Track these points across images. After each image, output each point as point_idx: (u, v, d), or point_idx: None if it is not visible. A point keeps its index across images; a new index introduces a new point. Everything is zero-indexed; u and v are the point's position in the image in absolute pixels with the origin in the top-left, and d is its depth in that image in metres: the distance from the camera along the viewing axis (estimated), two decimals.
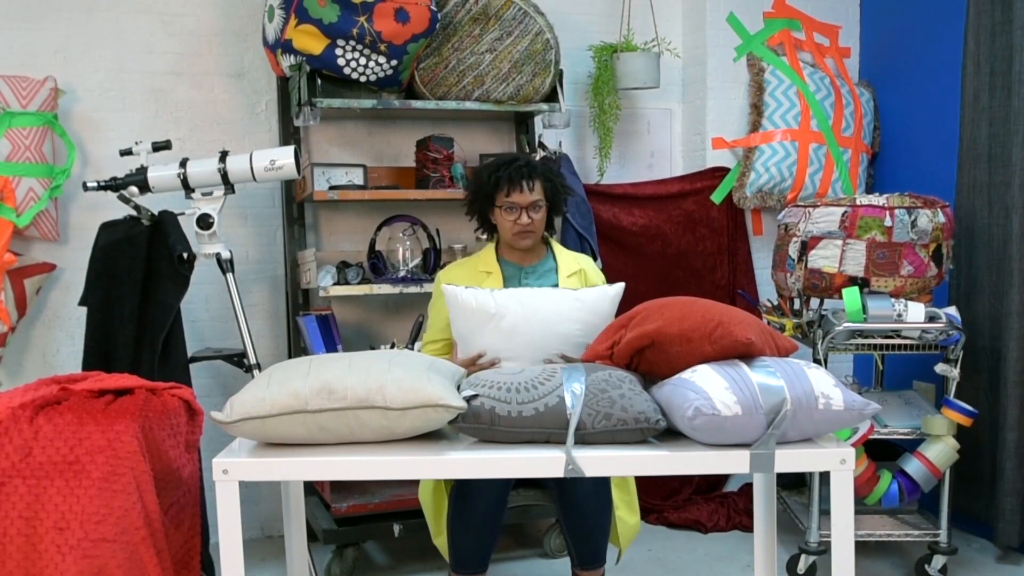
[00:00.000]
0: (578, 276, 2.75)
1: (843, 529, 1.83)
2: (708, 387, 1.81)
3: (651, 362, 2.01)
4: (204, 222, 2.94)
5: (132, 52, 3.49)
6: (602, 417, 1.85)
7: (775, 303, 3.49)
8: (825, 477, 3.06)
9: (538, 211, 2.68)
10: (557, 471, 1.81)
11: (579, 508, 2.54)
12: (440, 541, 2.71)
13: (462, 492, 2.53)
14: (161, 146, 2.98)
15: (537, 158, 3.44)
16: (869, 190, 4.10)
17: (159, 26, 3.51)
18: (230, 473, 1.81)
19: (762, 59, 3.97)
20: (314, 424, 1.83)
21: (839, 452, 1.83)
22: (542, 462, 1.83)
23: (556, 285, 2.69)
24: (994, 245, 3.33)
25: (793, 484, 3.58)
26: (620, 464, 1.86)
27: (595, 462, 1.82)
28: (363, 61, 3.21)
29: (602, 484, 2.54)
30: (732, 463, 1.82)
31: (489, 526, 2.55)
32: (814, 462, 1.94)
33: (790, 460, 1.83)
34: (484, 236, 2.87)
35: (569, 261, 2.79)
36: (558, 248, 2.83)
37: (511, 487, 2.62)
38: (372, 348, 3.53)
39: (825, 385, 1.85)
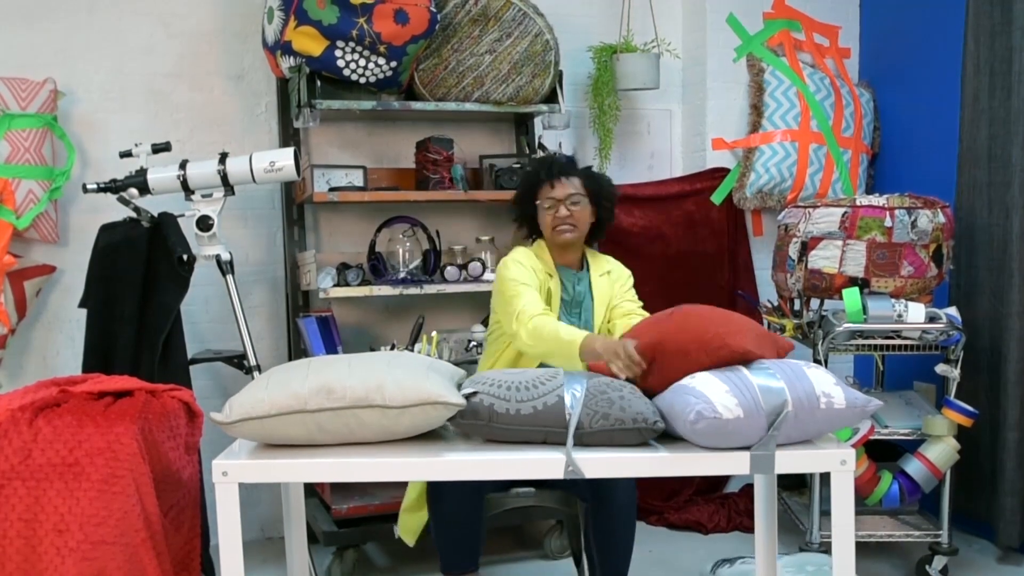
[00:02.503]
0: (607, 277, 2.78)
1: (844, 530, 1.83)
2: (709, 391, 1.81)
3: (651, 383, 2.02)
4: (204, 224, 2.94)
5: (132, 53, 3.49)
6: (600, 416, 1.85)
7: (775, 304, 3.49)
8: (826, 478, 3.04)
9: (577, 204, 2.69)
10: (557, 472, 1.81)
11: (611, 522, 2.53)
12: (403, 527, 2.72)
13: (435, 493, 2.53)
14: (161, 148, 2.98)
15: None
16: (869, 190, 4.10)
17: (159, 27, 3.51)
18: (230, 475, 1.81)
19: (762, 60, 3.96)
20: (313, 424, 1.83)
21: (839, 453, 1.83)
22: (543, 463, 1.82)
23: (590, 286, 2.74)
24: (994, 245, 3.33)
25: (794, 485, 3.58)
26: (620, 465, 1.86)
27: (595, 463, 1.82)
28: (362, 62, 3.21)
29: (631, 498, 2.53)
30: (733, 464, 1.82)
31: (465, 526, 2.54)
32: (814, 463, 1.94)
33: (791, 461, 1.83)
34: (530, 240, 2.85)
35: (600, 262, 2.82)
36: (591, 252, 2.85)
37: (487, 487, 2.58)
38: (372, 350, 3.53)
39: (826, 384, 1.85)
